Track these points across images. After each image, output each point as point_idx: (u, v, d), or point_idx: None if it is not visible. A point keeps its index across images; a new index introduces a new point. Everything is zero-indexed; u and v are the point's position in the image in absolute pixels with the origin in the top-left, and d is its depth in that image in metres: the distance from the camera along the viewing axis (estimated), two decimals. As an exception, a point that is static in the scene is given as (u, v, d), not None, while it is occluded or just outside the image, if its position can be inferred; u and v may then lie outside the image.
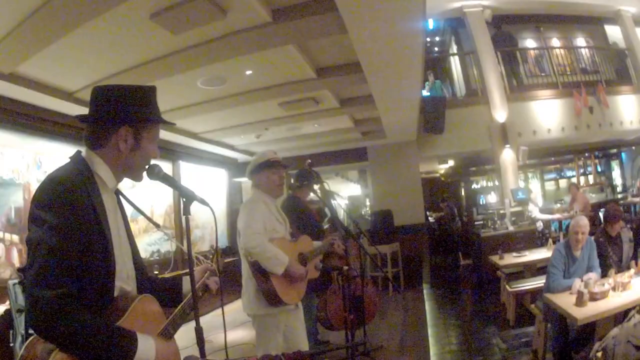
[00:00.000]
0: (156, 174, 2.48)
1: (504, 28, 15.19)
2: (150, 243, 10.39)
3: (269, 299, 4.34)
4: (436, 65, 16.20)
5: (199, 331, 2.44)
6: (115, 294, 2.22)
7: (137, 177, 2.48)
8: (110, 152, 2.32)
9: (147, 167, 2.47)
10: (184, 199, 2.47)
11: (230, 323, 8.72)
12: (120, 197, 2.54)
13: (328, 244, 5.23)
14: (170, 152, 11.18)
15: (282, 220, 4.79)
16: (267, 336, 4.47)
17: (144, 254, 9.56)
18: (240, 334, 8.32)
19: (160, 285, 2.76)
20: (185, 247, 2.57)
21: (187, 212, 2.49)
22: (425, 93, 13.22)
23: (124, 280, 2.33)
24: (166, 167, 10.75)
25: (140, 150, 2.39)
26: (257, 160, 4.75)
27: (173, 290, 2.77)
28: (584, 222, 6.01)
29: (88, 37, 5.49)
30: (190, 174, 12.08)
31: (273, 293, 4.29)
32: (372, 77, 7.42)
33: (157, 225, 2.89)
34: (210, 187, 12.95)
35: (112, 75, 6.71)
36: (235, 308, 7.21)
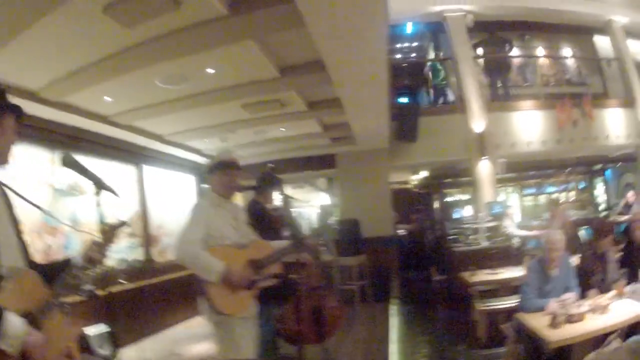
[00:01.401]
0: (68, 161, 2.75)
1: (500, 34, 15.28)
2: (117, 251, 10.14)
3: (213, 309, 4.28)
4: (414, 71, 16.28)
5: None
6: None
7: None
8: None
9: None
10: (97, 189, 2.80)
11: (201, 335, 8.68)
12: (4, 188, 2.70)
13: (291, 247, 5.09)
14: (133, 154, 10.96)
15: (237, 225, 4.73)
16: (222, 344, 4.44)
17: (110, 261, 9.36)
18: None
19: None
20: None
21: (98, 203, 2.86)
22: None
23: None
24: (129, 170, 10.73)
25: None
26: (212, 159, 4.76)
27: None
28: (557, 237, 5.97)
29: (44, 35, 5.47)
30: (156, 179, 11.90)
31: (212, 304, 4.23)
32: (336, 77, 7.37)
33: (42, 210, 3.18)
34: (178, 193, 12.82)
35: (71, 73, 6.69)
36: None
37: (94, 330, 7.64)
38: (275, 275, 4.76)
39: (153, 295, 10.15)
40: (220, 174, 4.65)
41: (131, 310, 9.47)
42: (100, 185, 2.90)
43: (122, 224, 3.32)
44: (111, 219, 3.17)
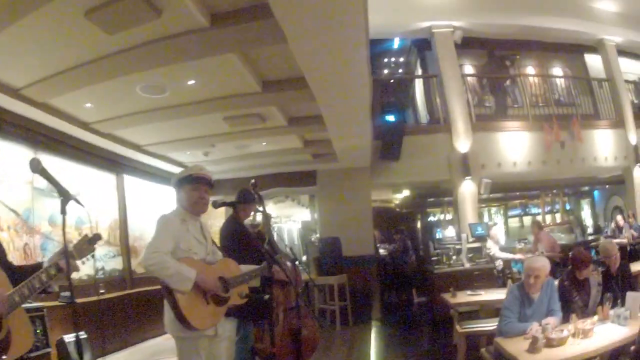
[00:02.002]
0: (35, 167, 2.90)
1: (497, 54, 15.41)
2: (96, 259, 10.06)
3: (181, 322, 4.20)
4: (399, 88, 16.31)
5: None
6: None
7: None
8: None
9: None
10: (62, 198, 2.93)
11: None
12: None
13: (264, 269, 5.09)
14: (114, 163, 11.01)
15: (204, 240, 4.71)
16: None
17: (88, 270, 9.38)
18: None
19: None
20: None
21: (63, 211, 2.98)
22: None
23: None
24: (109, 179, 10.79)
25: None
26: (180, 174, 4.70)
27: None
28: (539, 264, 5.86)
29: (24, 35, 5.52)
30: (136, 189, 11.92)
31: (181, 316, 4.16)
32: (319, 95, 7.42)
33: None
34: (158, 204, 12.80)
35: (51, 76, 6.74)
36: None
37: (72, 337, 7.62)
38: (248, 295, 4.74)
39: (133, 305, 10.12)
40: (189, 188, 4.62)
41: (110, 320, 9.45)
42: (65, 194, 3.00)
43: (96, 237, 3.38)
44: (86, 232, 3.23)
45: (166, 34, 5.86)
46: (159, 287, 4.18)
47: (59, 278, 3.16)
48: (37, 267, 3.09)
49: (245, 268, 4.98)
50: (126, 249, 11.04)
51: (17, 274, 3.03)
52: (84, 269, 9.23)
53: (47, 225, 8.62)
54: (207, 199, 4.70)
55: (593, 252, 13.82)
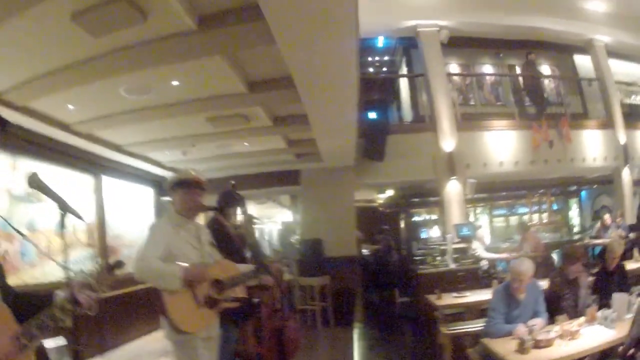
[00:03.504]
0: (33, 181, 2.72)
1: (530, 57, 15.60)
2: (75, 261, 10.06)
3: (172, 329, 4.29)
4: (385, 86, 16.37)
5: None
6: None
7: None
8: None
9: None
10: (61, 211, 2.72)
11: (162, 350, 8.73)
12: None
13: (256, 272, 5.24)
14: (92, 164, 11.01)
15: (198, 245, 4.77)
16: None
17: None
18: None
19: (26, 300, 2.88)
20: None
21: (62, 224, 2.81)
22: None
23: None
24: (87, 180, 10.78)
25: None
26: (173, 178, 4.81)
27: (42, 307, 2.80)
28: (524, 268, 5.96)
29: (9, 36, 5.57)
30: (114, 190, 11.91)
31: (170, 320, 4.23)
32: (305, 95, 7.51)
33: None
34: (136, 206, 12.87)
35: (35, 78, 6.78)
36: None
37: (52, 343, 7.66)
38: (238, 298, 4.80)
39: (113, 308, 10.15)
40: (182, 193, 4.72)
41: (90, 324, 9.43)
42: (64, 207, 2.85)
43: (119, 264, 3.27)
44: (109, 260, 3.08)
45: (153, 36, 5.93)
46: (137, 289, 4.24)
47: (76, 313, 2.94)
48: (46, 295, 2.89)
49: (244, 268, 5.10)
50: (105, 251, 11.04)
51: (21, 303, 2.84)
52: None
53: (26, 231, 8.48)
54: (201, 203, 4.80)
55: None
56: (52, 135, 9.12)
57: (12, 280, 7.68)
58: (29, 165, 8.73)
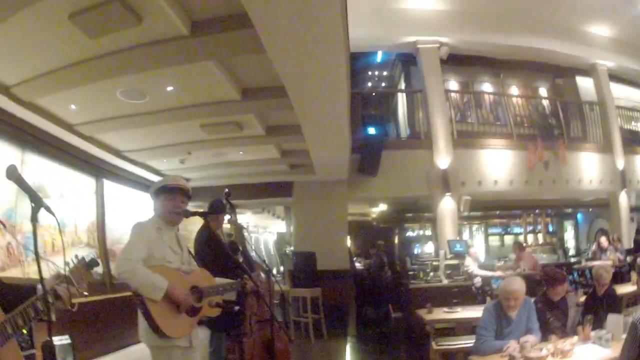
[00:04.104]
0: (11, 174, 2.81)
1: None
2: (60, 258, 10.02)
3: (154, 330, 4.26)
4: (382, 102, 16.39)
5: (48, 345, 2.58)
6: None
7: None
8: None
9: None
10: (33, 205, 2.79)
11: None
12: None
13: (237, 283, 5.17)
14: (94, 167, 11.11)
15: (179, 250, 4.77)
16: None
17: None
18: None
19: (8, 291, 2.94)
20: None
21: (34, 218, 2.86)
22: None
23: None
24: (89, 182, 10.87)
25: None
26: (157, 183, 4.80)
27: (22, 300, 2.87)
28: (516, 287, 5.86)
29: (11, 34, 5.64)
30: (115, 194, 12.02)
31: (153, 324, 4.22)
32: (298, 104, 7.56)
33: None
34: (136, 211, 12.88)
35: (38, 76, 6.86)
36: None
37: (56, 341, 7.67)
38: (219, 304, 4.76)
39: (114, 311, 10.15)
40: (164, 198, 4.69)
41: (93, 324, 9.48)
42: (38, 203, 2.92)
43: (93, 262, 3.40)
44: (84, 257, 3.16)
45: (147, 40, 6.01)
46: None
47: (57, 306, 3.05)
48: (32, 289, 2.97)
49: (220, 282, 5.03)
50: (105, 253, 11.08)
51: (9, 294, 2.93)
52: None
53: (29, 224, 8.56)
54: (182, 209, 4.75)
55: (576, 274, 14.12)
56: (58, 135, 9.20)
57: (15, 273, 7.75)
58: (36, 162, 8.81)
